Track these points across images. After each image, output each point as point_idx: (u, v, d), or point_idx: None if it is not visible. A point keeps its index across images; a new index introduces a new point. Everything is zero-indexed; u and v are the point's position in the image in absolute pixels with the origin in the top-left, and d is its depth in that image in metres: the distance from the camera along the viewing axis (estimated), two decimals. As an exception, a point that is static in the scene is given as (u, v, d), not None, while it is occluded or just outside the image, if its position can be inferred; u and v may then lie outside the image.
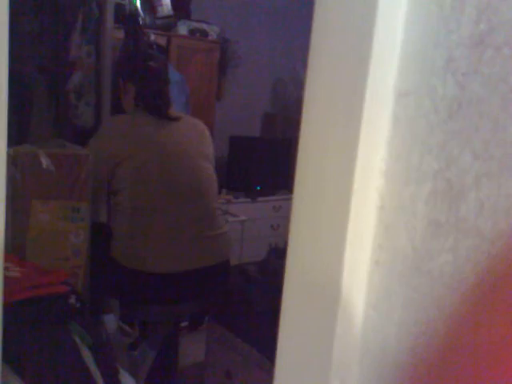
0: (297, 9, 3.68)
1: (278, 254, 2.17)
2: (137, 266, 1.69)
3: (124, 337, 2.09)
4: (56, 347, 1.16)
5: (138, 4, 2.75)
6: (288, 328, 0.57)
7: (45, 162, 1.48)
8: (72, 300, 1.28)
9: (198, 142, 1.85)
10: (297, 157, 0.55)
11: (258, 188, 3.62)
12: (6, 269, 1.09)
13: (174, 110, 1.88)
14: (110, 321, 1.99)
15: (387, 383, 0.52)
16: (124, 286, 1.75)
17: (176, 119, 1.79)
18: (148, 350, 1.87)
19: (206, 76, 3.24)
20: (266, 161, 3.70)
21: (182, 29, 3.09)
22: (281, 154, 3.67)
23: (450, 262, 0.46)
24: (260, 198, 3.58)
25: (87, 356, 1.19)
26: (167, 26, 3.00)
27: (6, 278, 0.92)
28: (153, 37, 2.81)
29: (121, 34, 2.50)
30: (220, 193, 2.99)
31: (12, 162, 1.44)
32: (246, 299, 2.00)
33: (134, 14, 2.69)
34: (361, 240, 0.51)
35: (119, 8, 2.56)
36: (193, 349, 2.32)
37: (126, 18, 2.61)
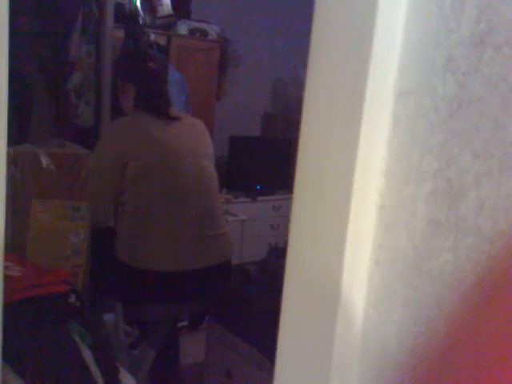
0: (297, 9, 3.68)
1: (277, 254, 2.17)
2: (139, 264, 1.70)
3: (124, 336, 2.10)
4: (56, 346, 1.16)
5: (138, 4, 2.75)
6: (288, 328, 0.57)
7: (45, 161, 1.48)
8: (72, 299, 1.28)
9: (198, 141, 1.85)
10: (297, 157, 0.55)
11: (258, 187, 3.63)
12: (6, 268, 1.09)
13: (175, 110, 1.88)
14: (110, 320, 1.99)
15: (387, 383, 0.52)
16: (126, 285, 1.75)
17: (177, 119, 1.79)
18: (148, 350, 1.87)
19: (205, 76, 3.24)
20: (265, 161, 3.70)
21: (182, 28, 3.09)
22: (281, 153, 3.67)
23: (450, 261, 0.46)
24: (260, 198, 3.58)
25: (87, 355, 1.19)
26: (167, 26, 3.00)
27: (6, 277, 0.92)
28: (153, 36, 2.81)
29: (121, 34, 2.50)
30: (220, 192, 3.00)
31: (12, 161, 1.44)
32: (246, 299, 2.00)
33: (134, 13, 2.69)
34: (361, 239, 0.51)
35: (119, 8, 2.56)
36: (193, 349, 2.32)
37: (126, 17, 2.61)
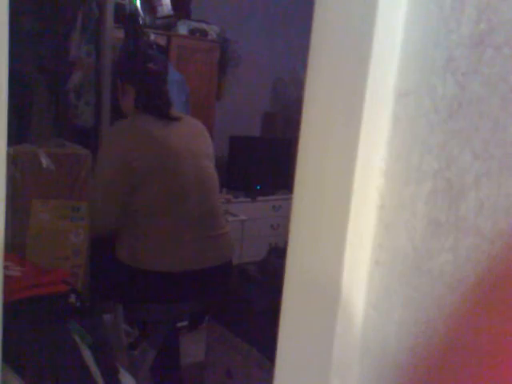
0: (296, 9, 3.68)
1: (277, 254, 2.18)
2: (139, 265, 1.70)
3: (124, 336, 2.10)
4: (56, 346, 1.16)
5: (138, 4, 2.75)
6: (288, 328, 0.58)
7: (45, 161, 1.48)
8: (72, 299, 1.28)
9: (198, 141, 1.85)
10: (297, 157, 0.55)
11: (258, 187, 3.63)
12: (6, 268, 1.09)
13: (175, 110, 1.88)
14: (110, 320, 1.99)
15: (387, 383, 0.52)
16: (126, 285, 1.75)
17: (177, 119, 1.79)
18: (148, 350, 1.87)
19: (205, 76, 3.24)
20: (265, 161, 3.70)
21: (182, 28, 3.09)
22: (281, 153, 3.67)
23: (450, 261, 0.46)
24: (260, 198, 3.58)
25: (87, 355, 1.19)
26: (167, 26, 3.00)
27: (6, 277, 0.92)
28: (153, 36, 2.81)
29: (121, 34, 2.50)
30: (220, 192, 3.00)
31: (12, 161, 1.44)
32: (246, 299, 2.00)
33: (134, 13, 2.69)
34: (361, 239, 0.51)
35: (119, 8, 2.56)
36: (193, 348, 2.32)
37: (126, 17, 2.61)
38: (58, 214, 1.54)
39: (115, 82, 1.96)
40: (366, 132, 0.49)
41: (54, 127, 2.46)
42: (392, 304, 0.51)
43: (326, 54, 0.52)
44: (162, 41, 2.94)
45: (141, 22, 2.70)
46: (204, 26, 3.22)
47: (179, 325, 2.12)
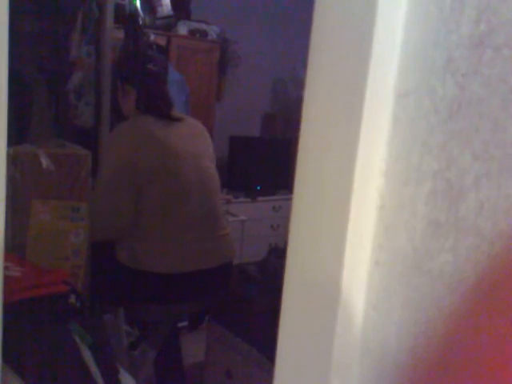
0: (296, 9, 3.68)
1: (277, 254, 2.18)
2: (139, 266, 1.69)
3: (124, 336, 2.09)
4: (56, 347, 1.16)
5: (138, 4, 2.75)
6: (288, 328, 0.58)
7: (45, 161, 1.49)
8: (72, 299, 1.28)
9: (200, 141, 1.85)
10: (297, 157, 0.55)
11: (258, 188, 3.63)
12: (6, 268, 1.09)
13: (176, 111, 1.88)
14: (110, 320, 1.99)
15: (387, 383, 0.52)
16: (126, 286, 1.75)
17: (179, 120, 1.79)
18: (148, 350, 1.87)
19: (205, 76, 3.24)
20: (266, 161, 3.70)
21: (182, 29, 3.09)
22: (281, 154, 3.67)
23: (449, 261, 0.46)
24: (260, 198, 3.58)
25: (87, 356, 1.19)
26: (167, 26, 3.00)
27: (6, 277, 0.92)
28: (152, 37, 2.81)
29: (121, 34, 2.50)
30: (221, 193, 3.00)
31: (12, 161, 1.44)
32: (246, 299, 2.00)
33: (134, 14, 2.69)
34: (361, 240, 0.51)
35: (119, 8, 2.56)
36: (193, 349, 2.32)
37: (126, 18, 2.61)
38: (57, 214, 1.54)
39: (115, 83, 1.96)
40: (365, 132, 0.49)
41: (53, 127, 2.45)
42: (392, 304, 0.51)
43: (326, 54, 0.52)
44: (162, 41, 2.94)
45: (141, 23, 2.70)
46: (204, 26, 3.22)
47: (179, 325, 2.13)
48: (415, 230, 0.49)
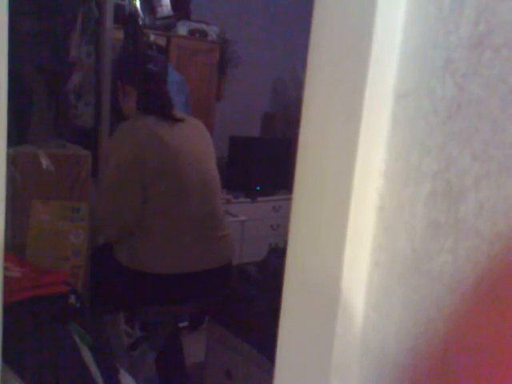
0: (296, 9, 3.68)
1: (277, 254, 2.18)
2: (139, 267, 1.69)
3: (124, 337, 2.10)
4: (56, 347, 1.16)
5: (138, 4, 2.75)
6: (288, 328, 0.58)
7: (45, 162, 1.49)
8: (72, 300, 1.28)
9: (201, 142, 1.85)
10: (297, 156, 0.55)
11: (258, 188, 3.63)
12: (6, 269, 1.09)
13: (177, 111, 1.87)
14: (110, 321, 1.99)
15: (387, 383, 0.52)
16: (125, 287, 1.74)
17: (181, 120, 1.79)
18: (148, 351, 1.87)
19: (205, 76, 3.24)
20: (266, 161, 3.70)
21: (182, 29, 3.09)
22: (281, 154, 3.67)
23: (449, 262, 0.46)
24: (260, 198, 3.58)
25: (87, 356, 1.19)
26: (167, 27, 3.00)
27: (6, 277, 0.92)
28: (152, 37, 2.81)
29: (120, 35, 2.50)
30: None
31: (12, 162, 1.44)
32: (246, 299, 2.00)
33: (134, 14, 2.69)
34: (360, 240, 0.51)
35: (119, 8, 2.56)
36: (193, 349, 2.32)
37: (126, 18, 2.61)
38: (57, 214, 1.54)
39: (115, 83, 1.95)
40: (365, 132, 0.49)
41: (53, 128, 2.45)
42: (392, 305, 0.51)
43: (325, 54, 0.52)
44: (162, 41, 2.94)
45: (140, 23, 2.70)
46: (204, 26, 3.22)
47: (179, 325, 2.13)
48: (415, 231, 0.49)
